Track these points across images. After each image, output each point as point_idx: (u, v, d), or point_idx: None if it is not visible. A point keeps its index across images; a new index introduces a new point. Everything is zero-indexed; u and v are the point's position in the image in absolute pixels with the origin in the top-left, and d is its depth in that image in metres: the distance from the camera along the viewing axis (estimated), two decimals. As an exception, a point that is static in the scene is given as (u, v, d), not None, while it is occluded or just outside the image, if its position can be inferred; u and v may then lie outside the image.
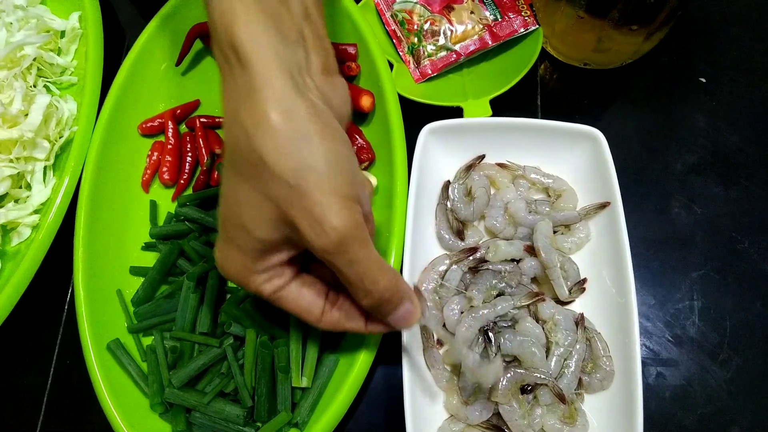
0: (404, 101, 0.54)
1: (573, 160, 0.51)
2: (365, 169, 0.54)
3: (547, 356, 0.45)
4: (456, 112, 0.54)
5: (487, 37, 0.58)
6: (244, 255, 0.35)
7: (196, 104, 0.59)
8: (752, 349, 0.49)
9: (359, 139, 0.53)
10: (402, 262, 0.46)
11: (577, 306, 0.48)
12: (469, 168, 0.52)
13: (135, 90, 0.57)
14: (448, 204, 0.51)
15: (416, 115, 0.53)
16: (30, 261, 0.50)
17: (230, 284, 0.52)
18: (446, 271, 0.49)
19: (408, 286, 0.39)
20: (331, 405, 0.44)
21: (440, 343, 0.48)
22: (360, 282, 0.35)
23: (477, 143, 0.52)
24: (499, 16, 0.58)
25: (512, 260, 0.49)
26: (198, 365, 0.47)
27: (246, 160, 0.32)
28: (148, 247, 0.54)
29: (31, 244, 0.50)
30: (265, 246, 0.35)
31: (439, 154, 0.52)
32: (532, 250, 0.49)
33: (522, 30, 0.57)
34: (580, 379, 0.45)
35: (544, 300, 0.47)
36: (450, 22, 0.59)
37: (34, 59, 0.59)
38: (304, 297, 0.38)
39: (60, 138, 0.57)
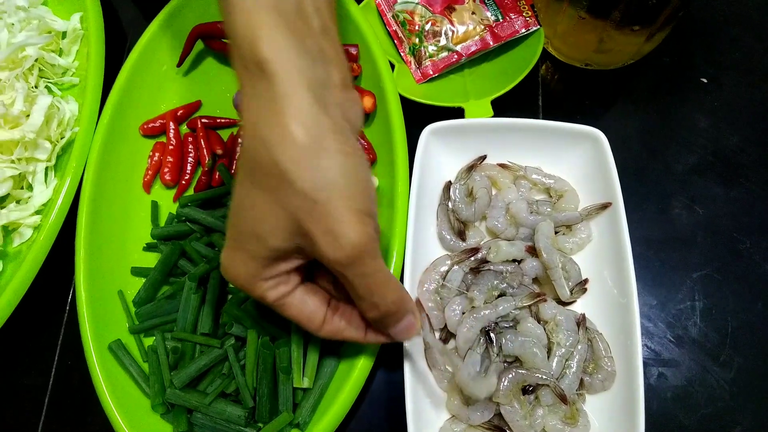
0: (405, 102, 0.54)
1: (574, 160, 0.51)
2: (366, 169, 0.54)
3: (548, 357, 0.45)
4: (457, 113, 0.54)
5: (489, 37, 0.58)
6: (253, 261, 0.35)
7: (197, 105, 0.59)
8: (753, 349, 0.49)
9: (361, 139, 0.53)
10: (403, 262, 0.46)
11: (579, 306, 0.48)
12: (471, 168, 0.52)
13: (136, 91, 0.57)
14: (450, 204, 0.51)
15: (417, 116, 0.53)
16: (31, 262, 0.50)
17: (231, 285, 0.52)
18: (447, 271, 0.49)
19: (411, 299, 0.40)
20: (333, 405, 0.44)
21: (442, 343, 0.48)
22: (369, 295, 0.36)
23: (478, 144, 0.52)
24: (500, 17, 0.58)
25: (513, 261, 0.49)
26: (199, 366, 0.47)
27: (265, 171, 0.32)
28: (149, 247, 0.54)
29: (33, 245, 0.50)
30: (276, 254, 0.35)
31: (441, 154, 0.52)
32: (533, 251, 0.49)
33: (523, 30, 0.57)
34: (581, 380, 0.45)
35: (545, 300, 0.47)
36: (451, 22, 0.59)
37: (36, 60, 0.59)
38: (307, 305, 0.38)
39: (61, 139, 0.57)
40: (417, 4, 0.59)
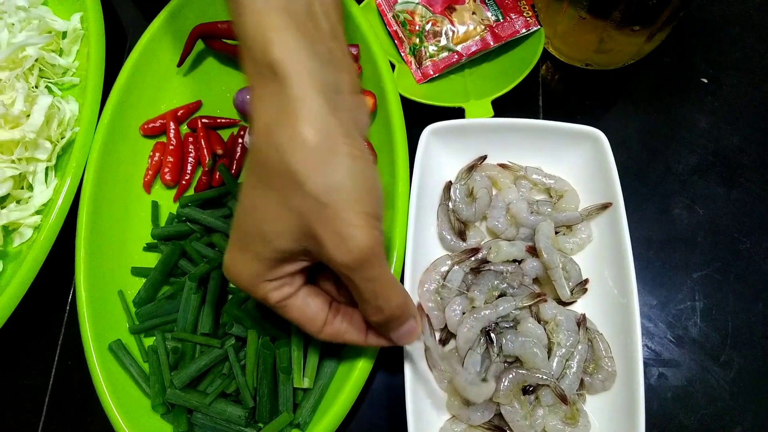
0: (406, 102, 0.54)
1: (575, 160, 0.51)
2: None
3: (548, 357, 0.45)
4: (458, 113, 0.54)
5: (489, 37, 0.58)
6: (258, 262, 0.35)
7: (197, 105, 0.59)
8: (754, 349, 0.49)
9: (361, 139, 0.53)
10: (404, 262, 0.46)
11: (579, 307, 0.48)
12: (471, 168, 0.52)
13: (137, 91, 0.57)
14: (450, 205, 0.51)
15: (418, 116, 0.53)
16: (31, 262, 0.50)
17: (232, 285, 0.52)
18: (448, 271, 0.49)
19: (413, 303, 0.40)
20: (333, 406, 0.44)
21: (442, 343, 0.48)
22: (374, 298, 0.36)
23: (479, 144, 0.52)
24: (500, 17, 0.58)
25: (514, 261, 0.49)
26: (200, 366, 0.47)
27: (275, 173, 0.33)
28: (149, 247, 0.54)
29: (33, 245, 0.50)
30: (282, 256, 0.35)
31: (441, 154, 0.52)
32: (533, 251, 0.49)
33: (524, 31, 0.57)
34: (581, 380, 0.45)
35: (545, 301, 0.47)
36: (452, 22, 0.59)
37: (36, 60, 0.59)
38: (309, 307, 0.38)
39: (62, 139, 0.57)
40: (417, 4, 0.59)
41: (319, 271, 0.40)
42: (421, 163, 0.49)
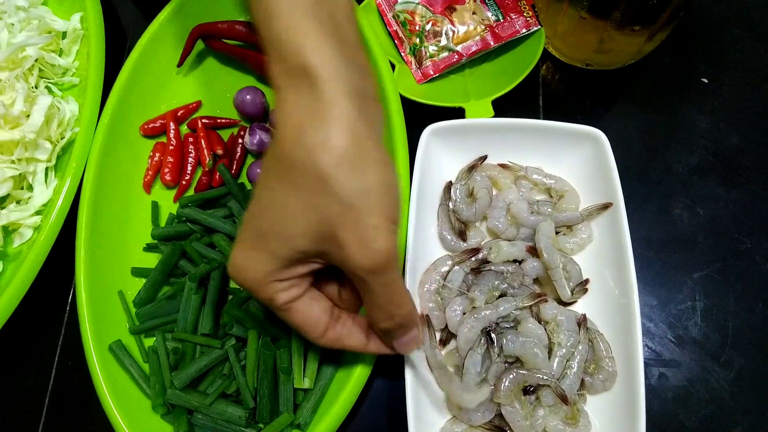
0: (406, 102, 0.54)
1: (575, 160, 0.51)
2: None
3: (549, 357, 0.45)
4: (458, 113, 0.54)
5: (489, 37, 0.58)
6: (272, 261, 0.35)
7: (197, 105, 0.59)
8: (754, 349, 0.49)
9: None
10: (404, 262, 0.46)
11: (580, 307, 0.48)
12: (471, 169, 0.52)
13: (137, 91, 0.57)
14: (450, 205, 0.51)
15: (418, 116, 0.53)
16: (31, 262, 0.50)
17: (232, 285, 0.52)
18: (448, 272, 0.49)
19: (417, 312, 0.40)
20: (334, 406, 0.44)
21: (443, 343, 0.48)
22: (387, 304, 0.36)
23: (479, 144, 0.52)
24: (501, 17, 0.58)
25: (514, 261, 0.49)
26: (200, 366, 0.47)
27: (302, 173, 0.33)
28: (149, 248, 0.54)
29: (33, 246, 0.50)
30: (297, 256, 0.35)
31: (441, 154, 0.52)
32: (534, 251, 0.49)
33: (524, 31, 0.57)
34: (582, 380, 0.45)
35: (546, 301, 0.47)
36: (452, 22, 0.59)
37: (36, 60, 0.59)
38: (312, 311, 0.38)
39: (62, 139, 0.57)
40: (418, 4, 0.59)
41: (321, 276, 0.40)
42: (421, 163, 0.49)
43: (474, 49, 0.58)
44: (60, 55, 0.61)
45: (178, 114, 0.58)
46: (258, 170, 0.54)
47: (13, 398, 0.53)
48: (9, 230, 0.55)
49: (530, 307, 0.47)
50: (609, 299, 0.47)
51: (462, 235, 0.51)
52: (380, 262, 0.34)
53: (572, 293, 0.47)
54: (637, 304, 0.44)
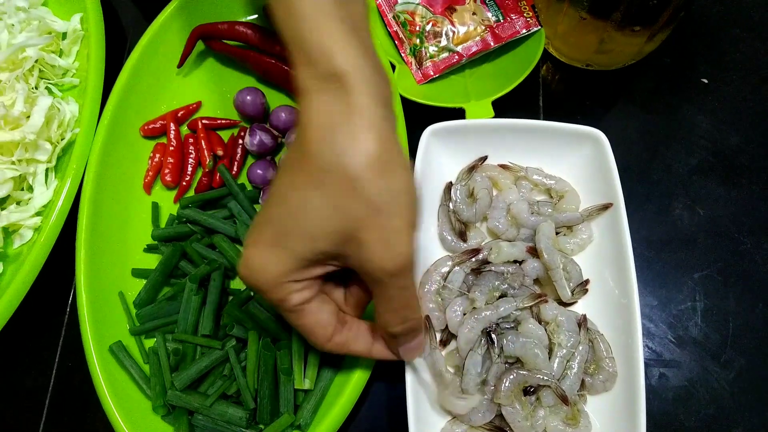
0: (406, 102, 0.54)
1: (575, 161, 0.51)
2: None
3: (549, 358, 0.45)
4: (458, 114, 0.54)
5: (489, 38, 0.58)
6: (291, 261, 0.35)
7: (198, 106, 0.59)
8: (755, 350, 0.49)
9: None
10: (404, 263, 0.46)
11: (580, 307, 0.48)
12: (472, 169, 0.52)
13: (137, 92, 0.57)
14: (451, 205, 0.51)
15: (418, 117, 0.53)
16: (32, 263, 0.50)
17: (233, 286, 0.52)
18: (449, 272, 0.49)
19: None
20: (334, 407, 0.44)
21: (443, 344, 0.48)
22: (403, 308, 0.37)
23: (479, 144, 0.52)
24: (501, 17, 0.58)
25: (515, 262, 0.49)
26: (200, 367, 0.47)
27: (331, 175, 0.33)
28: (150, 249, 0.54)
29: (33, 247, 0.50)
30: (318, 257, 0.35)
31: (442, 155, 0.52)
32: (534, 252, 0.49)
33: (524, 31, 0.57)
34: (582, 381, 0.45)
35: (546, 301, 0.47)
36: (452, 23, 0.59)
37: (36, 61, 0.59)
38: (322, 313, 0.38)
39: (62, 140, 0.57)
40: (418, 4, 0.59)
41: (327, 280, 0.40)
42: (421, 163, 0.49)
43: (474, 49, 0.58)
44: (60, 56, 0.61)
45: (179, 115, 0.58)
46: (269, 170, 0.54)
47: (13, 399, 0.53)
48: (9, 231, 0.55)
49: (530, 307, 0.47)
50: (609, 300, 0.47)
51: (462, 235, 0.51)
52: (402, 265, 0.34)
53: (572, 294, 0.47)
54: (638, 304, 0.44)
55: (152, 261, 0.53)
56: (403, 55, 0.60)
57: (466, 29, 0.58)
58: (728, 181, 0.55)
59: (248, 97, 0.56)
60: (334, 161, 0.33)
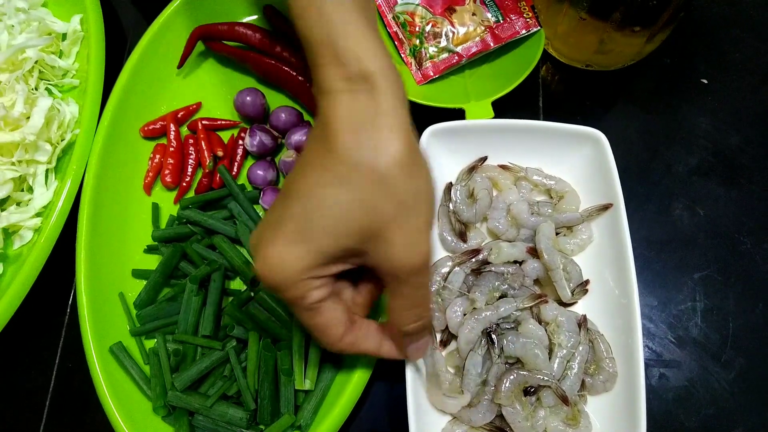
0: (406, 103, 0.54)
1: (575, 161, 0.51)
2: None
3: (549, 358, 0.45)
4: (458, 114, 0.54)
5: (489, 38, 0.58)
6: (314, 256, 0.35)
7: (198, 106, 0.59)
8: (755, 350, 0.49)
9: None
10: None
11: (580, 308, 0.48)
12: (472, 170, 0.52)
13: (137, 92, 0.57)
14: (451, 206, 0.51)
15: (418, 117, 0.52)
16: (32, 264, 0.50)
17: (233, 287, 0.52)
18: (449, 273, 0.49)
19: None
20: (335, 407, 0.44)
21: (443, 344, 0.48)
22: (419, 306, 0.38)
23: (479, 145, 0.52)
24: (500, 18, 0.58)
25: (515, 262, 0.49)
26: (201, 368, 0.47)
27: (360, 172, 0.34)
28: (150, 249, 0.54)
29: (33, 247, 0.50)
30: (340, 253, 0.36)
31: (441, 156, 0.52)
32: (534, 252, 0.49)
33: (524, 32, 0.57)
34: (583, 381, 0.45)
35: (546, 302, 0.47)
36: (452, 23, 0.59)
37: (36, 62, 0.59)
38: (337, 312, 0.39)
39: (62, 141, 0.57)
40: (417, 5, 0.59)
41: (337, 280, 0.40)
42: (421, 164, 0.49)
43: (474, 50, 0.58)
44: (60, 57, 0.61)
45: (179, 115, 0.58)
46: (269, 171, 0.54)
47: (13, 400, 0.53)
48: (9, 232, 0.55)
49: (531, 308, 0.47)
50: (609, 300, 0.47)
51: (462, 236, 0.51)
52: (422, 264, 0.35)
53: (573, 294, 0.48)
54: (638, 304, 0.44)
55: (152, 262, 0.53)
56: (402, 55, 0.60)
57: (465, 30, 0.58)
58: (728, 181, 0.55)
59: (248, 98, 0.56)
60: (363, 160, 0.34)
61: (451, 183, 0.52)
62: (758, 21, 0.60)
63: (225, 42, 0.59)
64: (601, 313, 0.47)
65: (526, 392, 0.44)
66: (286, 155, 0.55)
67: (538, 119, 0.58)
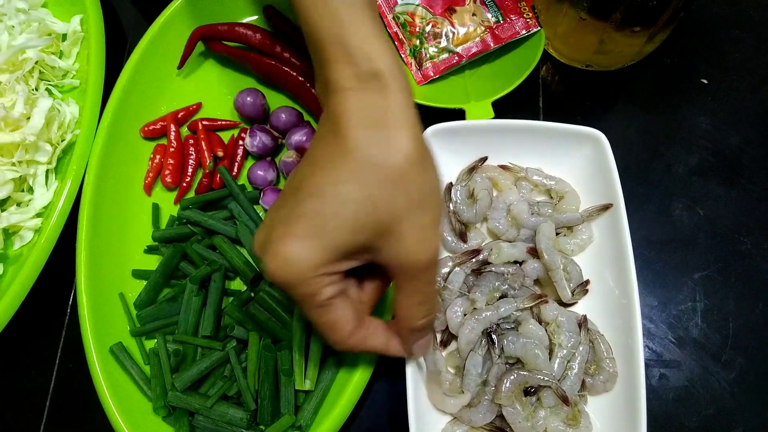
0: (406, 103, 0.54)
1: (575, 161, 0.51)
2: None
3: (550, 358, 0.45)
4: (458, 114, 0.54)
5: (489, 39, 0.58)
6: (326, 252, 0.35)
7: (198, 107, 0.59)
8: (755, 350, 0.49)
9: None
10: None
11: (580, 308, 0.48)
12: (472, 170, 0.52)
13: (137, 93, 0.57)
14: (451, 206, 0.51)
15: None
16: (32, 264, 0.50)
17: (233, 287, 0.52)
18: (449, 273, 0.49)
19: None
20: (335, 408, 0.44)
21: (444, 344, 0.48)
22: (428, 302, 0.38)
23: (479, 145, 0.52)
24: (500, 18, 0.58)
25: (515, 262, 0.49)
26: (201, 368, 0.47)
27: (374, 169, 0.34)
28: (150, 250, 0.54)
29: (34, 248, 0.50)
30: (353, 249, 0.36)
31: (442, 156, 0.51)
32: (534, 252, 0.49)
33: (524, 32, 0.57)
34: (583, 381, 0.45)
35: (546, 302, 0.47)
36: (452, 24, 0.59)
37: (36, 62, 0.59)
38: (346, 309, 0.38)
39: (62, 141, 0.57)
40: (417, 5, 0.59)
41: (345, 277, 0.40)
42: (421, 164, 0.49)
43: (474, 50, 0.58)
44: (60, 57, 0.61)
45: (179, 116, 0.58)
46: (270, 171, 0.55)
47: (14, 400, 0.53)
48: (9, 233, 0.55)
49: (531, 308, 0.47)
50: (609, 300, 0.47)
51: (462, 236, 0.51)
52: (432, 259, 0.36)
53: (573, 294, 0.48)
54: (638, 304, 0.44)
55: (153, 262, 0.53)
56: (403, 56, 0.60)
57: (465, 30, 0.58)
58: (728, 181, 0.55)
59: (248, 98, 0.56)
60: (376, 157, 0.34)
61: (451, 183, 0.52)
62: (758, 21, 0.60)
63: (225, 42, 0.59)
64: (601, 313, 0.47)
65: (527, 392, 0.44)
66: (287, 155, 0.55)
67: (538, 119, 0.58)
